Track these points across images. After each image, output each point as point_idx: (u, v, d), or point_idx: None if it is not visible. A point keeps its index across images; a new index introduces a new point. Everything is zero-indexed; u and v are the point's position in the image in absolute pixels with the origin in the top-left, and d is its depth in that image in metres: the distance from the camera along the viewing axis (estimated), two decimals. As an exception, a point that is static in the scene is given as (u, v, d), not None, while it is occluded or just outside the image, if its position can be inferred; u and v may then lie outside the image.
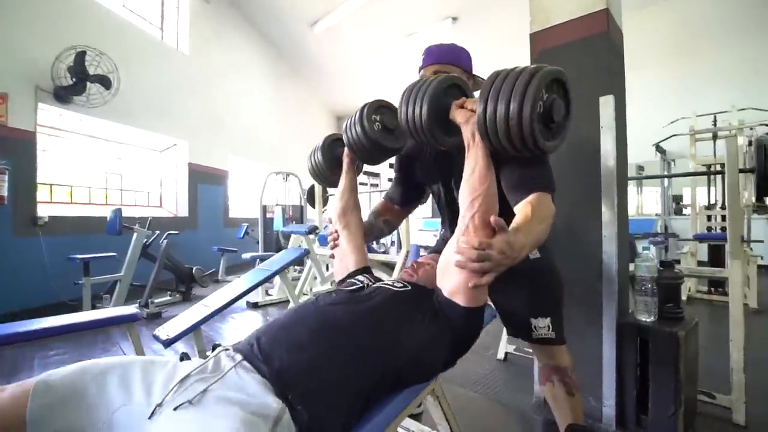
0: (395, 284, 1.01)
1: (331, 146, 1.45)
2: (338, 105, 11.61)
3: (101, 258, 3.57)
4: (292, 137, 9.53)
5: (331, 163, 1.42)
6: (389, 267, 3.03)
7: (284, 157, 8.96)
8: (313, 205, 3.93)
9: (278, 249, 5.56)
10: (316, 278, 3.72)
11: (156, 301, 3.76)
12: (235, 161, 7.51)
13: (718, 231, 4.10)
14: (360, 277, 1.11)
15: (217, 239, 6.18)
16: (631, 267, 1.76)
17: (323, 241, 3.40)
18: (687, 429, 1.45)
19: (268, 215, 5.75)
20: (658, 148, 5.55)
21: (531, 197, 0.96)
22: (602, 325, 1.58)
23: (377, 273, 1.20)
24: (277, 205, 5.62)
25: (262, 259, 4.63)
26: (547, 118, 0.85)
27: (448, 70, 1.17)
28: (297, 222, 5.58)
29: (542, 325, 1.16)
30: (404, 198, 1.45)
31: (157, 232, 4.10)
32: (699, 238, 3.81)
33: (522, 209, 0.94)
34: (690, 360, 1.48)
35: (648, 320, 1.54)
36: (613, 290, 1.56)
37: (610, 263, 1.57)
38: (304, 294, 3.71)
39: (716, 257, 3.75)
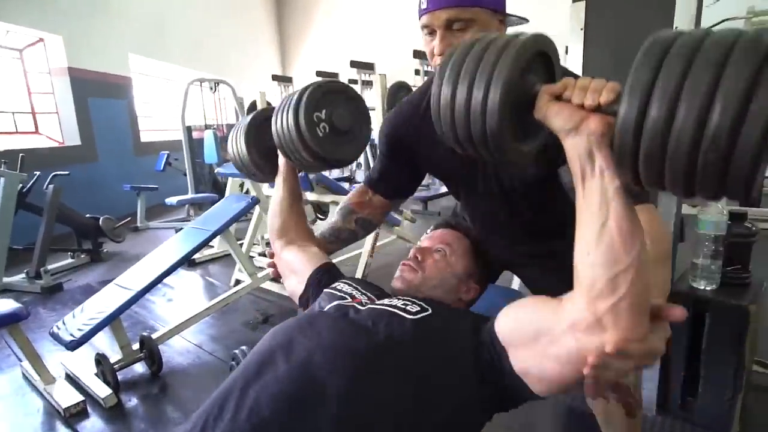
0: (407, 306, 0.81)
1: (262, 129, 1.14)
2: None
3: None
4: (218, 29, 8.57)
5: (260, 155, 1.17)
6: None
7: (209, 58, 8.14)
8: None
9: (215, 186, 5.25)
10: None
11: (52, 267, 3.48)
12: (139, 64, 6.71)
13: None
14: (341, 287, 0.93)
15: (128, 174, 5.71)
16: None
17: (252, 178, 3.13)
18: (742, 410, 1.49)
19: (195, 136, 5.29)
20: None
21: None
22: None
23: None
24: (206, 127, 5.13)
25: (195, 204, 4.38)
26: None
27: (473, 17, 0.89)
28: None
29: None
30: (394, 187, 1.23)
31: (37, 173, 3.65)
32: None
33: None
34: (756, 333, 1.47)
35: (707, 288, 1.49)
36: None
37: (668, 216, 1.47)
38: (255, 245, 3.54)
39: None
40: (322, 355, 0.72)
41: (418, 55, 6.17)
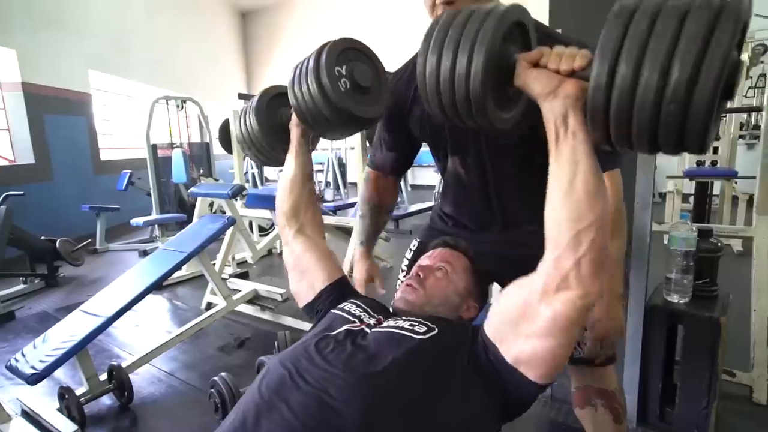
0: (414, 326, 0.81)
1: (272, 107, 1.15)
2: (244, -4, 10.35)
3: None
4: (182, 46, 8.44)
5: (271, 132, 1.14)
6: (346, 233, 2.85)
7: (173, 75, 7.99)
8: (228, 149, 3.51)
9: (181, 206, 5.08)
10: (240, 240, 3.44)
11: (2, 294, 3.26)
12: (99, 80, 6.48)
13: (708, 166, 4.45)
14: (349, 308, 0.91)
15: (87, 193, 5.46)
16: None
17: (254, 203, 3.08)
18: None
19: (160, 154, 5.13)
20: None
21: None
22: (627, 308, 1.59)
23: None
24: (173, 146, 4.99)
25: (161, 224, 4.22)
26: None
27: None
28: (203, 168, 5.05)
29: (585, 339, 1.09)
30: (401, 164, 1.29)
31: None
32: (690, 175, 4.10)
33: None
34: (725, 343, 1.55)
35: (681, 302, 1.56)
36: (643, 268, 1.56)
37: (643, 235, 1.54)
38: (227, 266, 3.44)
39: (702, 195, 4.09)
40: (334, 383, 0.71)
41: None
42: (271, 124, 1.14)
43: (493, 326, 0.75)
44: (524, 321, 0.68)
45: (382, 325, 0.84)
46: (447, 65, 0.68)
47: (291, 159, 1.09)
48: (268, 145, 1.15)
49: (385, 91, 1.07)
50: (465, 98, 0.68)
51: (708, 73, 0.51)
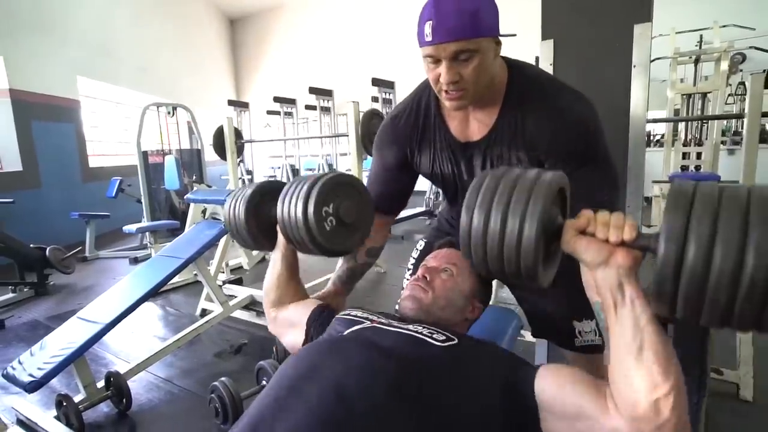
0: (432, 334, 0.82)
1: (263, 202, 1.13)
2: (233, 3, 10.36)
3: None
4: (170, 53, 8.41)
5: (258, 227, 1.13)
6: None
7: (162, 82, 7.95)
8: (222, 156, 3.52)
9: (172, 213, 5.05)
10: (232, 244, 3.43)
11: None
12: (88, 87, 6.43)
13: (692, 170, 4.58)
14: (355, 312, 0.94)
15: (75, 201, 5.40)
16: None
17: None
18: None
19: (150, 161, 5.10)
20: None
21: None
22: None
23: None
24: (165, 152, 4.97)
25: (153, 231, 4.19)
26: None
27: (477, 47, 0.93)
28: (195, 175, 5.03)
29: (588, 329, 1.13)
30: (396, 200, 1.29)
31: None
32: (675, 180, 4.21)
33: None
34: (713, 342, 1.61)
35: (671, 301, 1.62)
36: (634, 269, 1.61)
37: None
38: (221, 272, 3.43)
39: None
40: (352, 377, 0.72)
41: (377, 82, 6.34)
42: (261, 219, 1.12)
43: (549, 395, 0.73)
44: (584, 424, 0.69)
45: (401, 327, 0.86)
46: (496, 229, 0.66)
47: (278, 258, 1.12)
48: (252, 238, 1.14)
49: (369, 220, 1.11)
50: (515, 265, 0.67)
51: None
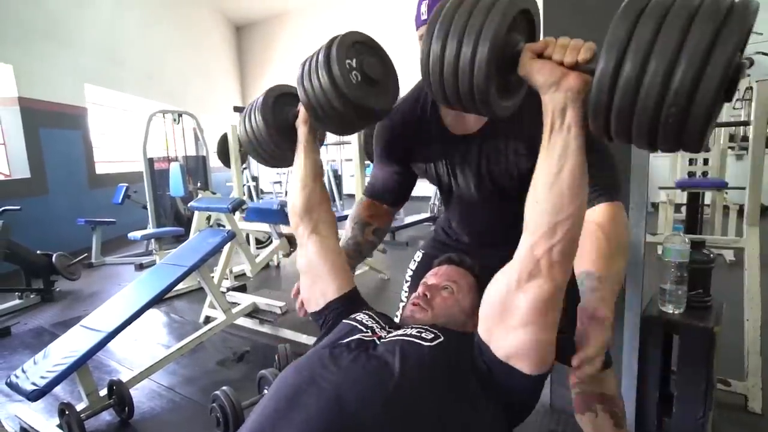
0: (422, 333, 0.84)
1: (278, 104, 1.15)
2: (239, 10, 10.46)
3: None
4: (176, 60, 8.51)
5: (278, 131, 1.13)
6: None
7: (168, 89, 8.04)
8: (227, 163, 3.54)
9: (177, 219, 5.09)
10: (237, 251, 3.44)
11: (-2, 309, 3.24)
12: (95, 94, 6.51)
13: (700, 176, 4.53)
14: (362, 318, 0.94)
15: (82, 207, 5.45)
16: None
17: (253, 217, 3.10)
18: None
19: (156, 167, 5.15)
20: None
21: (598, 214, 0.89)
22: (623, 320, 1.62)
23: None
24: (170, 159, 5.01)
25: (158, 238, 4.23)
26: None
27: None
28: (200, 181, 5.06)
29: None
30: (398, 193, 1.28)
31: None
32: (682, 186, 4.17)
33: (590, 238, 0.85)
34: (719, 353, 1.58)
35: (676, 312, 1.60)
36: (638, 279, 1.59)
37: (638, 245, 1.58)
38: (224, 279, 3.44)
39: (694, 206, 4.16)
40: (351, 388, 0.73)
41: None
42: (278, 123, 1.13)
43: (483, 326, 0.78)
44: (506, 314, 0.72)
45: (391, 335, 0.87)
46: (451, 54, 0.67)
47: (300, 157, 1.10)
48: (274, 144, 1.14)
49: (394, 83, 1.08)
50: (468, 88, 0.68)
51: (711, 78, 0.52)
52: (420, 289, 1.02)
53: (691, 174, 4.63)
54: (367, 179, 1.43)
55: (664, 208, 4.47)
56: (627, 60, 0.56)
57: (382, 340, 0.86)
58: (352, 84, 0.96)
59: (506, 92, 0.75)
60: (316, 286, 1.04)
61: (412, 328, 0.87)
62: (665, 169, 4.97)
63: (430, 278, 1.05)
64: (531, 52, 0.68)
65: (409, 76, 1.15)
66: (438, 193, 5.94)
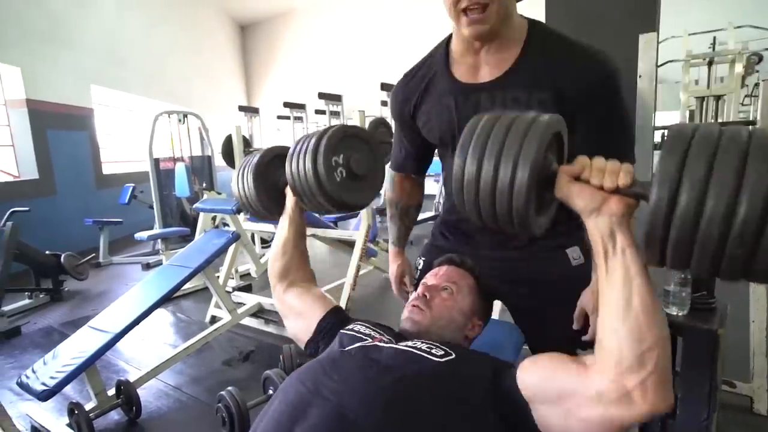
0: (431, 349, 0.83)
1: (270, 168, 1.15)
2: (244, 9, 10.49)
3: None
4: (181, 60, 8.55)
5: (267, 195, 1.15)
6: (348, 245, 2.88)
7: (173, 89, 8.08)
8: (231, 164, 3.56)
9: (183, 219, 5.12)
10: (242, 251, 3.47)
11: (8, 309, 3.27)
12: (101, 95, 6.56)
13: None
14: (358, 328, 0.94)
15: (89, 207, 5.51)
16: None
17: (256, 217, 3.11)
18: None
19: (162, 167, 5.19)
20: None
21: None
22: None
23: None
24: (176, 159, 5.05)
25: (164, 238, 4.27)
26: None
27: None
28: (206, 182, 5.10)
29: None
30: (421, 163, 1.30)
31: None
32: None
33: None
34: (723, 354, 1.58)
35: (679, 314, 1.60)
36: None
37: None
38: (230, 278, 3.47)
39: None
40: (354, 398, 0.74)
41: (386, 87, 6.37)
42: (268, 185, 1.15)
43: (531, 385, 0.73)
44: (569, 402, 0.67)
45: (400, 344, 0.86)
46: (488, 175, 0.65)
47: (285, 223, 1.13)
48: (264, 208, 1.16)
49: (380, 178, 1.12)
50: (507, 210, 0.66)
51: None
52: (419, 290, 1.02)
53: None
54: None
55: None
56: (682, 191, 0.53)
57: (386, 348, 0.86)
58: (335, 182, 1.00)
59: (541, 209, 0.73)
60: (301, 320, 1.07)
61: (422, 342, 0.87)
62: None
63: (430, 279, 1.05)
64: (568, 176, 0.66)
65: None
66: (443, 191, 5.89)
